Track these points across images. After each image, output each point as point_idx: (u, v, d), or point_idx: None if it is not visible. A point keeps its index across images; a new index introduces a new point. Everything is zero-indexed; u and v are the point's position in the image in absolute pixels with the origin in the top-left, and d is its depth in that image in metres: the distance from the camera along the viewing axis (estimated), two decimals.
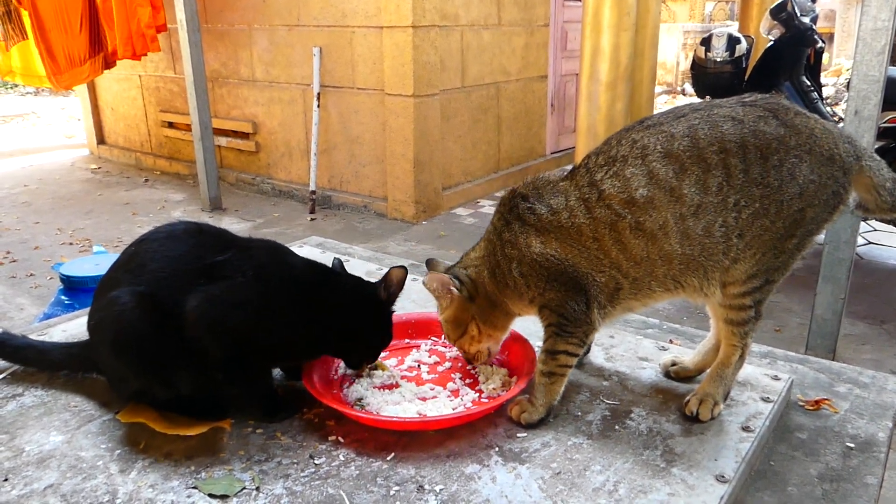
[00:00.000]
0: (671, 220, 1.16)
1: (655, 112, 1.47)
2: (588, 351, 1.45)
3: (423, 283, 1.32)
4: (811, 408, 1.34)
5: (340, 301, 1.31)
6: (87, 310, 1.32)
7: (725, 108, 1.19)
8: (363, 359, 1.37)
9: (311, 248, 2.21)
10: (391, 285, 1.33)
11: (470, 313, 1.34)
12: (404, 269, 1.34)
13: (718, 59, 4.72)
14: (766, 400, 1.29)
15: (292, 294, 1.27)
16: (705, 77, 4.84)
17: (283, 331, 1.25)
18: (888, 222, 4.22)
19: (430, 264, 1.46)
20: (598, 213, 1.18)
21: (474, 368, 1.42)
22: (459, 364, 1.45)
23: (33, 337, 1.55)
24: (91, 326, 1.27)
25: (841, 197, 1.19)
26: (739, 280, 1.20)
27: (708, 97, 4.89)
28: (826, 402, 1.36)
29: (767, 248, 1.17)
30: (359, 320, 1.32)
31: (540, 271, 1.22)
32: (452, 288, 1.32)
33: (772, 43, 4.57)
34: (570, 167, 1.32)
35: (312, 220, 5.60)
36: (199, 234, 1.29)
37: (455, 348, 1.42)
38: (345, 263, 1.44)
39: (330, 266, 1.39)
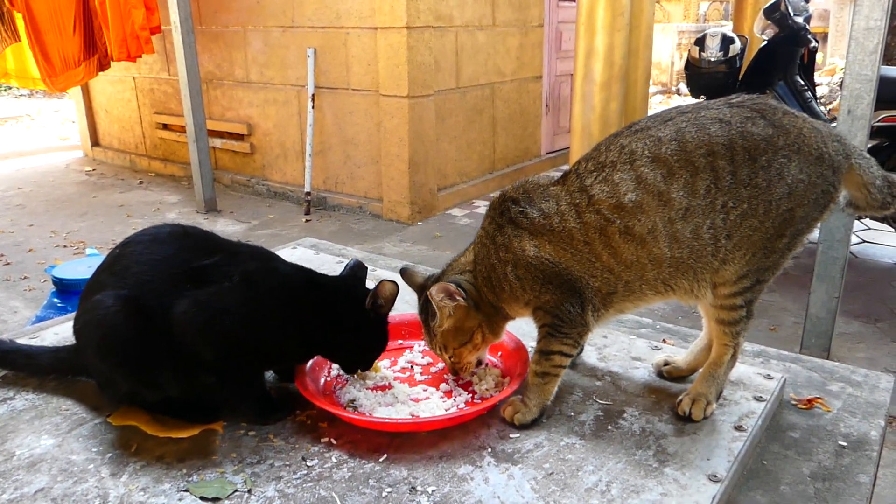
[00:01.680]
0: (660, 223, 1.16)
1: (650, 112, 1.46)
2: (581, 351, 1.45)
3: (430, 294, 1.28)
4: (804, 407, 1.35)
5: (324, 308, 1.30)
6: None
7: (713, 111, 1.19)
8: (354, 365, 1.36)
9: (306, 250, 2.21)
10: (378, 298, 1.30)
11: (477, 321, 1.32)
12: (396, 286, 1.31)
13: (713, 59, 4.73)
14: (758, 399, 1.29)
15: (278, 300, 1.26)
16: (699, 77, 4.85)
17: (270, 335, 1.25)
18: (879, 220, 4.23)
19: (406, 274, 1.43)
20: (588, 218, 1.18)
21: (459, 379, 1.39)
22: None
23: (25, 340, 1.55)
24: (76, 330, 1.27)
25: (831, 196, 1.19)
26: (730, 281, 1.20)
27: (702, 97, 4.90)
28: (819, 400, 1.36)
29: (757, 249, 1.17)
30: (343, 328, 1.30)
31: (535, 274, 1.22)
32: (459, 297, 1.29)
33: (766, 43, 4.58)
34: (563, 167, 1.31)
35: (307, 221, 5.60)
36: (184, 238, 1.28)
37: (439, 357, 1.39)
38: (340, 264, 1.44)
39: (315, 271, 1.37)
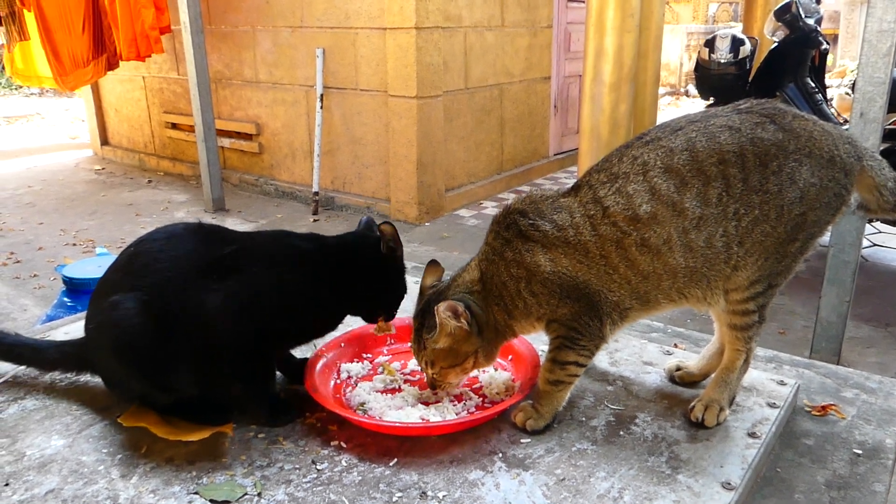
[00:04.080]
0: (674, 234, 1.15)
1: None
2: None
3: (437, 309, 1.21)
4: (818, 413, 1.33)
5: (345, 263, 1.33)
6: None
7: (722, 118, 1.18)
8: (379, 311, 1.37)
9: None
10: (388, 238, 1.33)
11: (475, 347, 1.26)
12: (392, 226, 1.34)
13: (722, 61, 4.70)
14: (772, 405, 1.28)
15: (303, 272, 1.28)
16: (709, 78, 4.82)
17: (302, 307, 1.27)
18: (891, 223, 4.19)
19: (429, 267, 1.38)
20: (604, 231, 1.17)
21: (434, 394, 1.34)
22: None
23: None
24: (90, 330, 1.27)
25: (843, 198, 1.19)
26: (742, 286, 1.19)
27: (712, 99, 4.87)
28: (833, 407, 1.34)
29: (770, 254, 1.17)
30: (365, 275, 1.33)
31: (552, 289, 1.20)
32: (464, 320, 1.22)
33: (776, 44, 4.55)
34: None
35: (315, 221, 5.59)
36: (200, 232, 1.30)
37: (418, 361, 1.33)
38: None
39: (326, 237, 1.40)
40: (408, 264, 1.61)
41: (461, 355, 1.26)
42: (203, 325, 1.19)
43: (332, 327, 1.38)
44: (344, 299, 1.33)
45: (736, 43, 4.70)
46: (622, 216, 1.16)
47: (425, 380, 1.34)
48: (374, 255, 1.34)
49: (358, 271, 1.33)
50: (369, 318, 1.40)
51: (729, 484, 1.06)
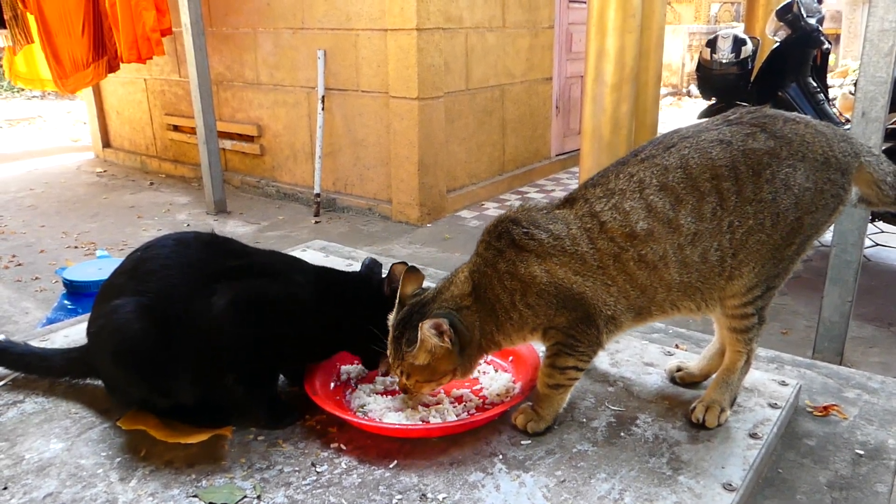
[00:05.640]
0: (670, 250, 1.15)
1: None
2: None
3: (422, 326, 1.15)
4: (820, 414, 1.33)
5: (349, 299, 1.33)
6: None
7: (712, 132, 1.18)
8: (377, 355, 1.35)
9: (315, 252, 2.20)
10: (394, 281, 1.32)
11: (454, 365, 1.21)
12: (405, 265, 1.32)
13: (724, 61, 4.69)
14: (773, 406, 1.28)
15: (311, 293, 1.30)
16: (711, 79, 4.81)
17: (303, 327, 1.28)
18: (891, 222, 4.17)
19: (407, 273, 1.28)
20: (602, 245, 1.16)
21: (411, 399, 1.31)
22: None
23: (35, 342, 1.55)
24: (91, 333, 1.27)
25: (840, 198, 1.18)
26: (739, 293, 1.19)
27: (714, 99, 4.87)
28: (835, 408, 1.34)
29: (766, 260, 1.17)
30: (366, 316, 1.31)
31: (549, 299, 1.18)
32: (447, 339, 1.17)
33: (778, 44, 4.54)
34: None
35: (317, 222, 5.60)
36: (211, 242, 1.30)
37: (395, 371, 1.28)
38: (349, 266, 1.45)
39: (334, 269, 1.42)
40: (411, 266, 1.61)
41: (438, 373, 1.22)
42: (206, 328, 1.19)
43: (323, 356, 1.37)
44: (339, 330, 1.32)
45: (738, 43, 4.69)
46: (619, 232, 1.16)
47: (398, 385, 1.30)
48: (376, 297, 1.33)
49: (357, 308, 1.32)
50: (370, 363, 1.38)
51: (730, 485, 1.06)
